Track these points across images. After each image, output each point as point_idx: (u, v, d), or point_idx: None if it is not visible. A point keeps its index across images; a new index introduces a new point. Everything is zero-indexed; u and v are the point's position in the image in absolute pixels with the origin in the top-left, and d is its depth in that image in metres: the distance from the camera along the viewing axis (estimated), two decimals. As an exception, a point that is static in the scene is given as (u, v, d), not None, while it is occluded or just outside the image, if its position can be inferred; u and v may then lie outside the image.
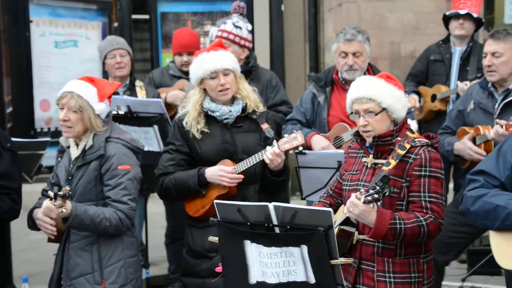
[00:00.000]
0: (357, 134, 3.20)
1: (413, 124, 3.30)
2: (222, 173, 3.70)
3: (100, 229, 3.39)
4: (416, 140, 3.06)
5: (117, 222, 3.39)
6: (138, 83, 5.28)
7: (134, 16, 7.78)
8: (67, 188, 3.28)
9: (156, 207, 6.30)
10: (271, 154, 3.63)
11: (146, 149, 3.81)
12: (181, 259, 4.07)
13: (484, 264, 4.95)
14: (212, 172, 3.73)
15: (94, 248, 3.46)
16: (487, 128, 4.01)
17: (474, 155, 4.04)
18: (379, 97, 3.05)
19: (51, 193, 3.27)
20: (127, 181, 3.43)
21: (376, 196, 2.75)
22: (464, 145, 4.10)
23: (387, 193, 2.79)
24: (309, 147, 4.25)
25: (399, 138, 3.08)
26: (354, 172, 3.19)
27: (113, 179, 3.42)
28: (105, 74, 5.38)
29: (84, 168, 3.46)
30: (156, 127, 4.77)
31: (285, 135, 3.70)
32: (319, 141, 4.21)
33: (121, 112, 4.72)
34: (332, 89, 4.41)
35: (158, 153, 4.58)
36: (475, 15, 5.55)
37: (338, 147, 4.26)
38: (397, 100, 3.08)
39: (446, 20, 5.69)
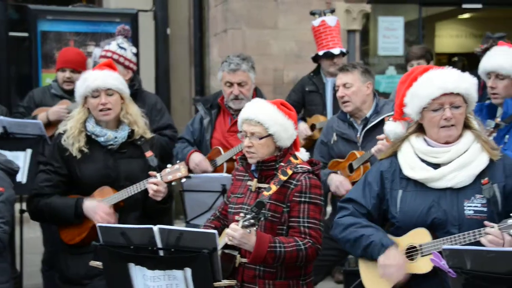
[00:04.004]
0: (243, 158, 3.25)
1: (303, 154, 3.40)
2: (97, 211, 3.58)
3: None
4: (298, 166, 3.15)
5: None
6: None
7: (11, 33, 7.45)
8: None
9: (32, 232, 6.02)
10: (153, 187, 3.57)
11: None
12: (57, 286, 3.91)
13: (359, 284, 5.14)
14: (89, 207, 3.61)
15: None
16: (361, 153, 4.23)
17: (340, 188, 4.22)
18: (267, 122, 3.12)
19: None
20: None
21: (252, 221, 2.82)
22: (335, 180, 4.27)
23: (262, 218, 2.86)
24: (187, 163, 4.30)
25: (282, 164, 3.15)
26: (239, 195, 3.23)
27: None
28: None
29: None
30: (29, 151, 4.56)
31: (168, 166, 3.64)
32: (193, 159, 4.35)
33: (-4, 134, 4.50)
34: (218, 112, 4.47)
35: (19, 184, 4.30)
36: (344, 50, 5.85)
37: (213, 170, 4.30)
38: (284, 129, 3.15)
39: (315, 57, 5.92)
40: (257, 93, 4.47)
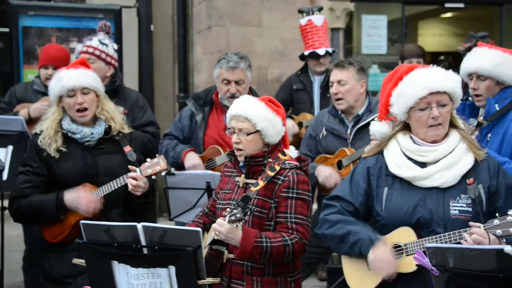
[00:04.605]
0: (231, 154, 3.25)
1: (292, 151, 3.39)
2: (80, 201, 3.56)
3: None
4: (286, 162, 3.16)
5: None
6: None
7: (-10, 28, 7.39)
8: None
9: (13, 229, 5.96)
10: (133, 182, 3.55)
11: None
12: (39, 284, 3.88)
13: (343, 282, 5.15)
14: (70, 198, 3.58)
15: None
16: (351, 151, 4.23)
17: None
18: (255, 118, 3.12)
19: None
20: None
21: (238, 215, 2.82)
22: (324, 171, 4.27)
23: (248, 213, 2.88)
24: (182, 162, 4.24)
25: (270, 160, 3.15)
26: (227, 191, 3.24)
27: None
28: None
29: None
30: (10, 148, 4.51)
31: (148, 160, 3.63)
32: (191, 158, 4.24)
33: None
34: (211, 109, 4.42)
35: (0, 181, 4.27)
36: (330, 50, 5.86)
37: (211, 169, 4.27)
38: (272, 125, 3.15)
39: (303, 55, 5.92)
40: (252, 92, 4.44)
